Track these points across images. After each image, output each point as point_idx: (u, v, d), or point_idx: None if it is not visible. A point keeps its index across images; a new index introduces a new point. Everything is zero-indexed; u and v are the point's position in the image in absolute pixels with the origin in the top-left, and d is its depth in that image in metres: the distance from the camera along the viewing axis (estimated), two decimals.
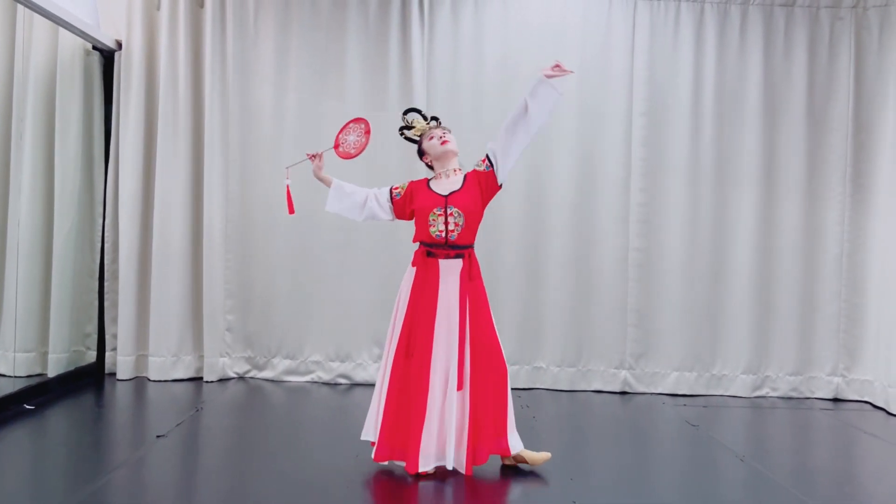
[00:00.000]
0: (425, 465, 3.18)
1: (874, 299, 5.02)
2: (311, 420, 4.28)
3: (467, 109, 5.09)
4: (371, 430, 3.35)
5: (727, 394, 5.14)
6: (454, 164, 3.39)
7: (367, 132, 3.40)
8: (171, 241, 4.96)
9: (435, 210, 3.26)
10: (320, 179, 3.46)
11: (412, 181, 3.44)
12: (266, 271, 5.10)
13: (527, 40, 5.09)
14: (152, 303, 4.96)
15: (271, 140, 5.10)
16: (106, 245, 5.03)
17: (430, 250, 3.28)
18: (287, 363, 5.14)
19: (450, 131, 3.42)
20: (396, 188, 3.43)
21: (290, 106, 5.10)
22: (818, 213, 5.15)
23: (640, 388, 5.15)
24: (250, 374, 5.16)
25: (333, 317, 5.11)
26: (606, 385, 5.16)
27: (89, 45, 4.88)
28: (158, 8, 5.00)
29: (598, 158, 5.12)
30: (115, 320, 5.03)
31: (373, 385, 5.02)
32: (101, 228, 5.03)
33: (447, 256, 3.27)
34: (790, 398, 5.13)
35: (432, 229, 3.26)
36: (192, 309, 5.05)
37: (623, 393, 5.14)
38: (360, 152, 3.41)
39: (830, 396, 5.16)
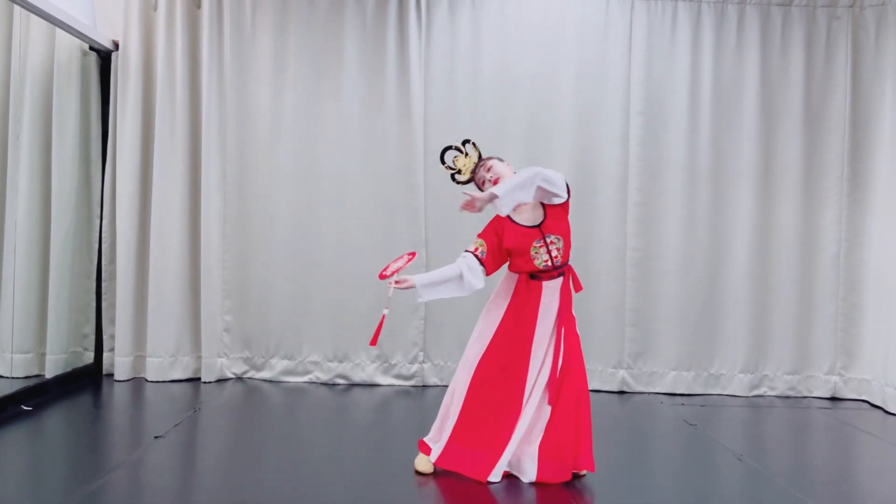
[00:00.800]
0: (496, 475, 3.19)
1: (872, 298, 5.03)
2: (310, 420, 4.28)
3: (465, 110, 5.09)
4: (434, 434, 3.37)
5: (725, 393, 5.15)
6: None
7: (408, 262, 3.25)
8: (168, 242, 4.96)
9: (535, 244, 3.21)
10: (409, 288, 3.23)
11: (484, 234, 3.28)
12: (264, 271, 5.10)
13: (524, 40, 5.10)
14: (150, 303, 4.95)
15: (269, 140, 5.10)
16: (103, 246, 5.02)
17: (535, 274, 3.25)
18: (285, 363, 5.14)
19: (491, 161, 3.33)
20: (476, 249, 3.25)
21: (287, 106, 5.10)
22: (815, 213, 5.16)
23: (638, 388, 5.15)
24: (248, 375, 5.15)
25: (331, 317, 5.11)
26: (604, 384, 5.16)
27: (86, 46, 4.88)
28: (155, 8, 5.00)
29: (595, 158, 5.12)
30: (112, 321, 5.03)
31: (371, 385, 5.07)
32: (98, 229, 5.02)
33: (551, 277, 3.26)
34: (788, 397, 5.13)
35: (537, 261, 3.22)
36: (190, 309, 5.05)
37: (621, 392, 5.14)
38: (392, 273, 3.18)
39: (828, 395, 5.17)
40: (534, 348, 3.23)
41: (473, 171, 3.40)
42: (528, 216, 3.28)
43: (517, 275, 3.27)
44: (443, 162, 3.42)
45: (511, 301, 3.27)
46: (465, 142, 3.41)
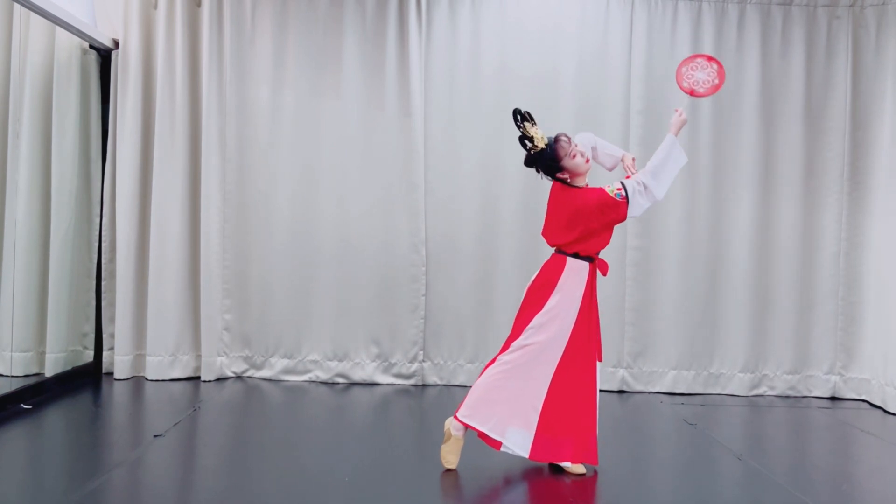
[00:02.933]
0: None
1: (871, 297, 5.03)
2: (309, 419, 4.28)
3: (465, 109, 5.09)
4: (495, 423, 3.27)
5: (725, 392, 5.14)
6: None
7: (720, 74, 3.15)
8: (168, 241, 4.96)
9: None
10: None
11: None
12: (263, 270, 5.10)
13: (524, 39, 5.09)
14: (150, 302, 4.95)
15: (268, 139, 5.09)
16: (103, 244, 5.02)
17: (594, 256, 3.35)
18: (285, 362, 5.14)
19: (570, 137, 3.31)
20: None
21: (286, 104, 5.09)
22: (815, 212, 5.15)
23: (638, 387, 5.15)
24: (248, 374, 5.15)
25: (331, 316, 5.11)
26: (604, 384, 5.15)
27: (86, 45, 4.87)
28: (155, 7, 4.99)
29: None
30: (112, 320, 5.02)
31: (371, 384, 5.06)
32: (98, 228, 5.02)
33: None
34: (787, 397, 5.13)
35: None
36: (190, 308, 5.04)
37: (621, 392, 5.14)
38: (710, 93, 3.20)
39: (828, 395, 5.16)
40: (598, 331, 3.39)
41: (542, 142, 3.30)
42: None
43: (584, 262, 3.31)
44: (520, 124, 3.31)
45: (586, 287, 3.32)
46: (526, 114, 3.31)
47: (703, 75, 3.21)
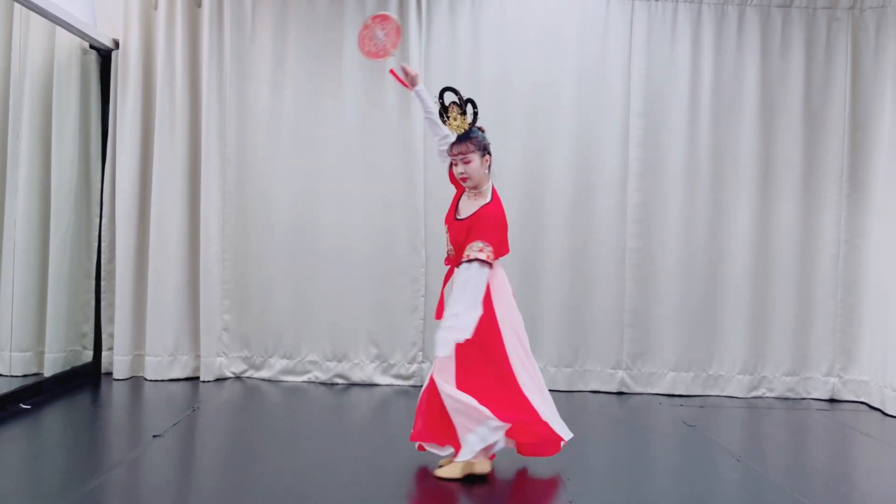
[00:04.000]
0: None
1: (870, 299, 5.03)
2: (308, 420, 4.28)
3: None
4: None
5: (724, 394, 5.14)
6: (473, 191, 3.33)
7: (397, 31, 3.18)
8: (167, 241, 4.96)
9: (445, 227, 3.30)
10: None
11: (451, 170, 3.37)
12: (263, 271, 5.10)
13: (524, 39, 5.09)
14: (149, 302, 4.95)
15: (268, 139, 5.10)
16: (103, 244, 5.02)
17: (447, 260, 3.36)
18: (284, 363, 5.14)
19: (473, 157, 3.25)
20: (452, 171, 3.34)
21: (287, 105, 5.10)
22: (815, 214, 5.16)
23: (637, 389, 5.15)
24: (247, 374, 5.15)
25: (330, 316, 5.11)
26: (603, 385, 5.16)
27: (86, 45, 4.87)
28: (156, 7, 4.99)
29: (594, 159, 5.12)
30: (111, 320, 5.02)
31: (370, 385, 5.07)
32: (97, 228, 5.02)
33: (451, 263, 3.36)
34: (786, 398, 5.13)
35: (446, 243, 3.34)
36: (189, 308, 5.04)
37: (620, 393, 5.14)
38: (383, 53, 3.20)
39: (827, 397, 5.16)
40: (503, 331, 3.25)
41: (459, 132, 3.29)
42: (464, 206, 3.34)
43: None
44: (441, 97, 3.35)
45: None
46: (468, 101, 3.28)
47: (381, 34, 3.25)
